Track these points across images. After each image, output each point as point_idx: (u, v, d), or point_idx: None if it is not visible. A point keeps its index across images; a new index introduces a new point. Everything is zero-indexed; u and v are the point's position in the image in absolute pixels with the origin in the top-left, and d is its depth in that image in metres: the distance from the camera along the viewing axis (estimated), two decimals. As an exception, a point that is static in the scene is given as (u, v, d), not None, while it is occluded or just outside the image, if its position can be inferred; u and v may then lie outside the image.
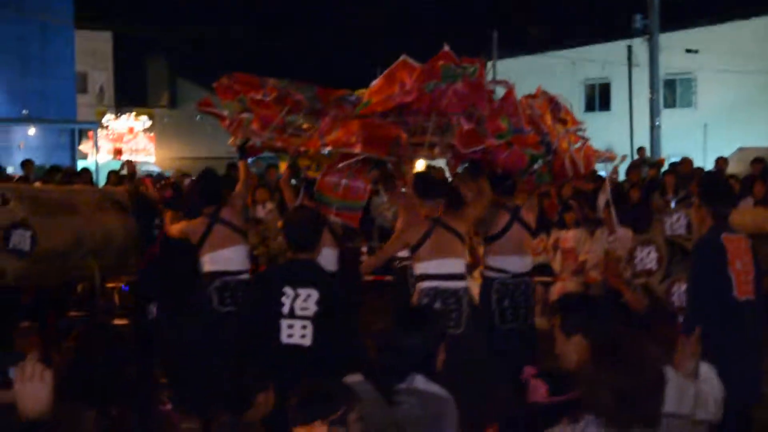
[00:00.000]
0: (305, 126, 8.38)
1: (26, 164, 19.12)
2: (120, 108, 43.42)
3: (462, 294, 7.74)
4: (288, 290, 5.75)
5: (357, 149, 7.62)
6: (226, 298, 8.69)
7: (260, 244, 14.80)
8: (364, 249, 18.12)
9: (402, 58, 8.34)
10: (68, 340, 4.22)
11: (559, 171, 8.71)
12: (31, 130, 35.81)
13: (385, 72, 8.32)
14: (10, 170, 23.27)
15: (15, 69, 36.40)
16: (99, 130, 38.82)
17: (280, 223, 13.22)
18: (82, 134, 38.04)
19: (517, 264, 8.68)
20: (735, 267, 6.42)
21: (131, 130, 40.34)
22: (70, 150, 37.20)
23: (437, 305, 7.51)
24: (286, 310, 5.72)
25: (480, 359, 7.59)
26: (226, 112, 8.84)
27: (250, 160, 9.62)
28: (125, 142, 39.95)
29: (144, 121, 40.97)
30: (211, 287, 8.69)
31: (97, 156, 37.29)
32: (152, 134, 41.62)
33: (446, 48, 8.17)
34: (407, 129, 7.93)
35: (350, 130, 7.69)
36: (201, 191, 8.93)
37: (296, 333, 5.71)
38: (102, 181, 22.16)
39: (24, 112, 35.49)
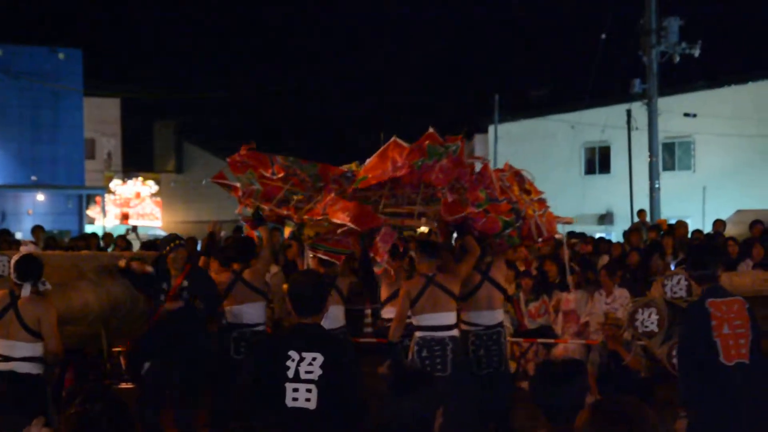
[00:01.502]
0: (301, 198, 9.66)
1: (36, 230, 19.37)
2: (127, 173, 43.63)
3: (448, 342, 9.24)
4: (293, 354, 5.78)
5: (348, 223, 8.98)
6: (241, 347, 9.99)
7: (266, 307, 14.98)
8: (368, 311, 18.28)
9: (393, 138, 9.49)
10: (71, 405, 4.17)
11: (527, 234, 10.08)
12: (40, 196, 36.04)
13: (378, 151, 9.53)
14: (19, 236, 23.49)
15: (25, 136, 36.81)
16: (106, 195, 39.09)
17: (285, 287, 13.53)
18: (90, 199, 38.32)
19: (489, 317, 9.99)
20: (721, 332, 6.55)
21: (138, 194, 40.56)
22: (78, 215, 37.49)
23: (425, 353, 9.12)
24: (291, 374, 5.76)
25: (464, 397, 8.92)
26: (238, 184, 9.93)
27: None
28: (132, 206, 40.15)
29: (151, 186, 41.19)
30: (230, 337, 10.07)
31: (105, 221, 37.54)
32: (159, 199, 41.81)
33: (431, 130, 9.41)
34: (396, 201, 9.38)
35: (346, 207, 9.01)
36: (236, 249, 10.21)
37: (301, 397, 5.74)
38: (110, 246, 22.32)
39: (33, 178, 35.77)
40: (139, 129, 47.97)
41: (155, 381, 9.64)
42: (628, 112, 32.18)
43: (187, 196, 48.49)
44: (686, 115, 33.15)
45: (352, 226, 8.99)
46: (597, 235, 21.87)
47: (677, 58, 29.79)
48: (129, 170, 44.47)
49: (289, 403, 5.77)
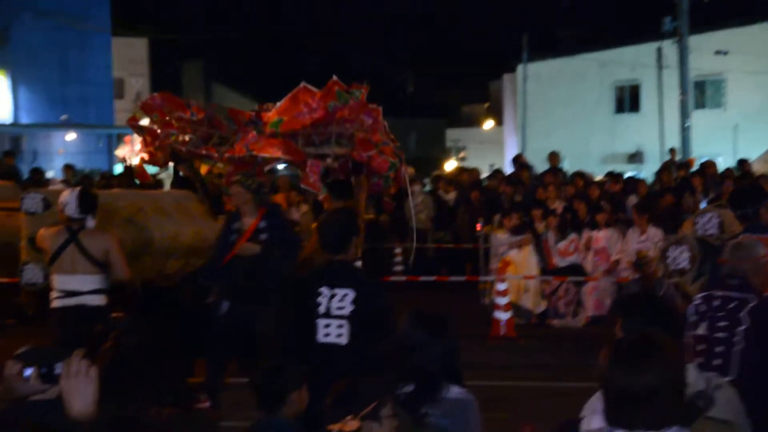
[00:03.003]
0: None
1: (67, 169, 19.52)
2: (156, 113, 43.68)
3: None
4: (324, 290, 5.87)
5: (281, 155, 10.18)
6: None
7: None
8: (398, 250, 18.38)
9: (302, 84, 10.52)
10: (109, 339, 4.18)
11: (398, 178, 10.78)
12: (70, 135, 36.19)
13: (289, 95, 10.51)
14: (50, 174, 23.63)
15: (54, 76, 36.88)
16: (134, 135, 39.21)
17: (314, 225, 13.55)
18: (119, 139, 38.46)
19: None
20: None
21: (168, 134, 40.63)
22: (108, 154, 37.63)
23: None
24: (322, 309, 5.86)
25: None
26: (156, 127, 10.59)
27: None
28: (161, 145, 40.23)
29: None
30: None
31: (134, 160, 37.69)
32: (188, 138, 41.88)
33: (335, 78, 10.44)
34: (312, 141, 10.35)
35: (272, 143, 10.14)
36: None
37: (332, 332, 5.84)
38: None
39: (63, 117, 35.89)
40: (168, 69, 47.94)
41: (230, 326, 9.01)
42: (659, 51, 31.90)
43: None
44: (717, 52, 32.78)
45: (285, 158, 10.24)
46: (627, 174, 21.78)
47: (708, -5, 29.39)
48: (158, 110, 44.49)
49: (321, 338, 5.86)
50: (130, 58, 42.52)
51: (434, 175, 24.12)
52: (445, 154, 53.51)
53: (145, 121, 10.85)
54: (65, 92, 37.03)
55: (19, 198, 9.67)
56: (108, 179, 17.62)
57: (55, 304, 8.49)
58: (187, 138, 10.42)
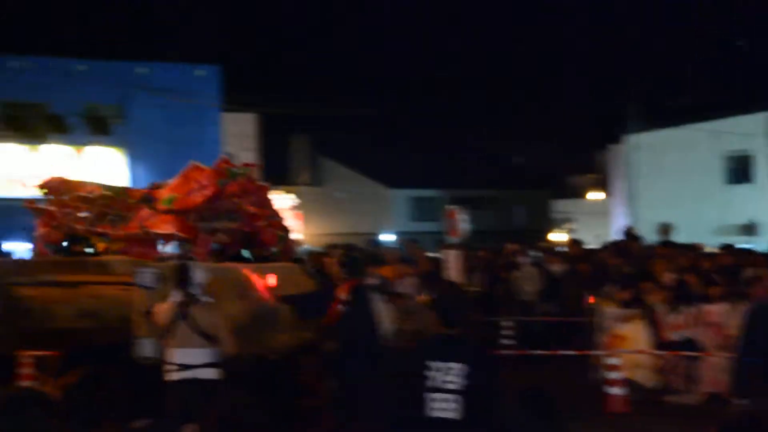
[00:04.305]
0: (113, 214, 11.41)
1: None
2: (265, 187, 44.23)
3: None
4: (435, 364, 5.86)
5: (171, 231, 10.88)
6: None
7: (404, 319, 15.02)
8: (506, 323, 18.20)
9: (191, 162, 11.51)
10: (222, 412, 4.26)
11: (286, 251, 11.64)
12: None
13: (180, 173, 11.40)
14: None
15: (167, 151, 37.78)
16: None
17: (421, 297, 13.60)
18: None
19: None
20: None
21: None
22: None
23: None
24: (432, 383, 5.83)
25: None
26: (53, 207, 11.31)
27: None
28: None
29: (292, 199, 41.67)
30: None
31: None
32: (299, 212, 42.26)
33: (224, 155, 12.05)
34: (204, 216, 11.06)
35: (165, 219, 10.87)
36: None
37: (442, 407, 5.80)
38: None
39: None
40: (276, 143, 48.70)
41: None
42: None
43: (323, 208, 49.06)
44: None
45: (177, 234, 10.90)
46: (740, 246, 21.29)
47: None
48: (267, 183, 45.04)
49: (430, 413, 5.82)
50: (239, 133, 43.29)
51: (541, 246, 23.97)
52: (552, 225, 53.18)
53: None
54: (177, 167, 37.75)
55: (134, 272, 9.85)
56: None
57: (170, 377, 8.62)
58: (83, 215, 11.26)
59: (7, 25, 44.76)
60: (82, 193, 11.47)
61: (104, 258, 10.46)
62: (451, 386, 5.83)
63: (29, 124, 36.27)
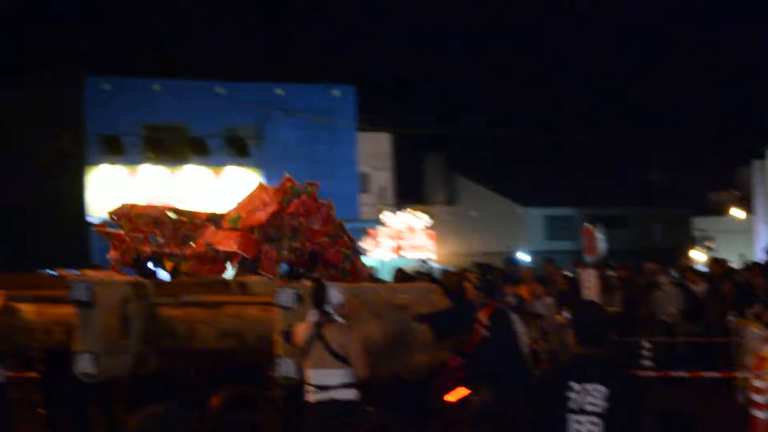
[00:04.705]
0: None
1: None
2: (399, 206, 44.51)
3: None
4: (575, 385, 5.79)
5: (237, 249, 11.12)
6: None
7: (541, 339, 14.92)
8: (646, 344, 17.88)
9: (259, 183, 12.20)
10: None
11: (355, 270, 11.64)
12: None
13: (248, 195, 11.80)
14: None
15: (304, 171, 38.27)
16: (379, 228, 40.01)
17: (559, 317, 13.49)
18: (364, 232, 39.36)
19: None
20: None
21: (410, 227, 41.18)
22: (353, 247, 38.54)
23: None
24: (573, 405, 5.76)
25: None
26: (121, 231, 11.76)
27: None
28: (405, 239, 40.82)
29: (424, 219, 41.76)
30: None
31: (379, 253, 38.46)
32: (432, 231, 42.31)
33: (288, 175, 11.71)
34: (269, 235, 11.31)
35: (230, 237, 11.17)
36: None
37: (584, 429, 5.72)
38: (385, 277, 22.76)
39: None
40: (411, 162, 48.86)
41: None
42: None
43: (458, 228, 49.01)
44: None
45: (240, 252, 11.13)
46: None
47: None
48: (401, 203, 45.33)
49: (574, 435, 5.74)
50: (373, 152, 43.61)
51: (680, 265, 23.50)
52: (691, 244, 52.06)
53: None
54: (314, 187, 38.23)
55: (273, 293, 9.97)
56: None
57: (309, 398, 8.71)
58: (152, 238, 11.71)
59: (150, 50, 46.07)
60: (153, 215, 11.97)
61: (245, 279, 10.61)
62: (592, 408, 5.74)
63: (171, 147, 37.23)
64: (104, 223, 12.89)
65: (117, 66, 37.88)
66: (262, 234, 11.30)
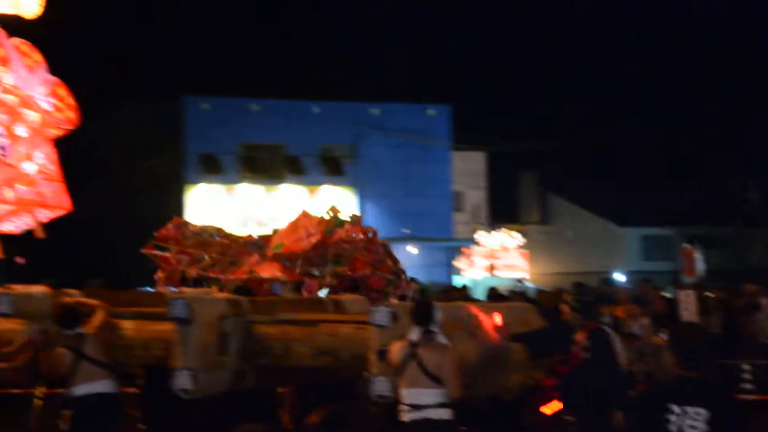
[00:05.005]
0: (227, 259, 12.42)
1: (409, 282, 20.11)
2: (493, 225, 44.40)
3: None
4: (675, 408, 5.75)
5: (276, 275, 11.59)
6: None
7: (637, 360, 14.69)
8: (746, 367, 17.51)
9: (302, 210, 12.59)
10: None
11: (400, 293, 12.14)
12: (412, 249, 37.28)
13: (291, 222, 12.40)
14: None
15: (398, 190, 38.45)
16: (473, 247, 39.95)
17: (656, 339, 13.31)
18: (457, 251, 39.33)
19: None
20: None
21: (504, 247, 41.04)
22: (447, 267, 38.54)
23: None
24: (673, 428, 5.72)
25: None
26: (168, 254, 12.34)
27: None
28: (498, 258, 40.68)
29: (519, 238, 41.56)
30: None
31: (473, 272, 38.36)
32: (526, 251, 42.11)
33: (333, 205, 12.30)
34: (312, 261, 11.94)
35: (272, 265, 11.76)
36: None
37: None
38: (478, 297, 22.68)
39: (405, 231, 37.14)
40: (505, 181, 48.71)
41: None
42: None
43: (552, 247, 48.63)
44: None
45: (282, 278, 11.73)
46: None
47: None
48: (495, 222, 45.21)
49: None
50: (468, 171, 43.59)
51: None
52: (793, 264, 50.88)
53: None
54: (407, 206, 38.42)
55: (368, 311, 10.01)
56: (449, 292, 17.98)
57: (403, 417, 8.72)
58: (199, 260, 12.20)
59: (248, 71, 46.70)
60: (200, 238, 12.66)
61: (340, 297, 10.70)
62: (693, 431, 5.71)
63: (268, 166, 37.70)
64: (152, 245, 13.32)
65: (215, 86, 38.56)
66: (306, 261, 11.77)
